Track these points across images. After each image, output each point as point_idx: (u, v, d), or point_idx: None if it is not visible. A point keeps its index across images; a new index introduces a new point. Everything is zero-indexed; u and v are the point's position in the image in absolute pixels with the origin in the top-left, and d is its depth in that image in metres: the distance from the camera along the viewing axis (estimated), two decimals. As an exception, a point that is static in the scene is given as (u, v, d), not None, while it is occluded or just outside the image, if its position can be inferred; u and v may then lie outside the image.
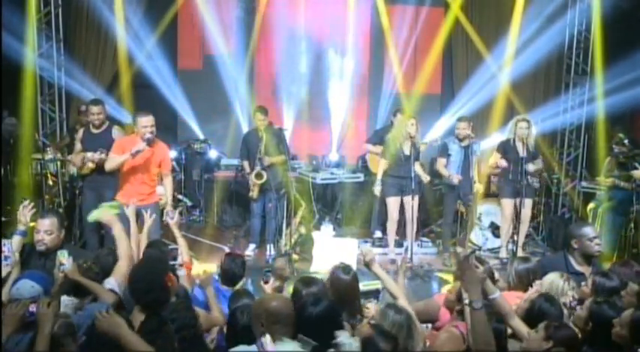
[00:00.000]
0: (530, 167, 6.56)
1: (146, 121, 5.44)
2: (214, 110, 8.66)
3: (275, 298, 2.96)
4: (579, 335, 3.06)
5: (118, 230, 3.96)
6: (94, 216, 4.34)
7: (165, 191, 5.80)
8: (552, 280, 3.48)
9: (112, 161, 5.51)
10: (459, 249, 6.85)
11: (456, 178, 6.66)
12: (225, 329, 3.31)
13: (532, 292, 3.57)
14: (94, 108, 5.90)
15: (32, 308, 2.84)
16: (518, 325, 3.10)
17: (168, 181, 5.79)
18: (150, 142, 5.42)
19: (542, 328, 2.89)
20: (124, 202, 5.12)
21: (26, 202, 4.05)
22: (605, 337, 2.91)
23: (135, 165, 5.50)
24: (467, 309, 2.95)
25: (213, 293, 3.66)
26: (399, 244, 7.02)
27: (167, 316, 2.74)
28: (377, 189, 6.72)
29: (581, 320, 3.07)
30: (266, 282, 3.72)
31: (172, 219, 4.39)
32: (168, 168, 5.80)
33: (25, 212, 3.95)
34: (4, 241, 3.81)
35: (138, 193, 5.46)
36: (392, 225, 6.80)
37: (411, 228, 6.65)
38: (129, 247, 3.84)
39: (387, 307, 3.00)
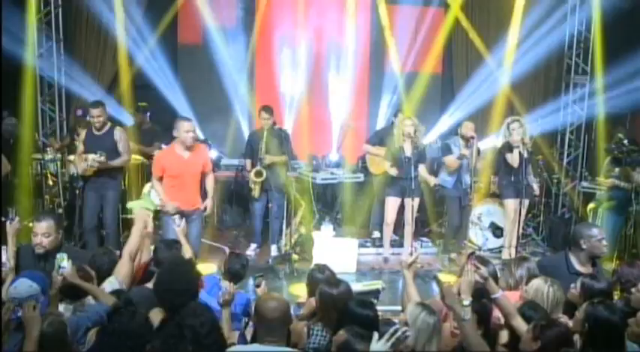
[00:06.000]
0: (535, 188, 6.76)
1: (188, 126, 5.36)
2: (214, 110, 8.66)
3: (271, 300, 2.97)
4: (575, 334, 3.06)
5: (136, 228, 3.96)
6: (132, 205, 4.37)
7: (208, 190, 5.67)
8: (537, 286, 3.45)
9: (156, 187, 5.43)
10: (462, 251, 6.85)
11: (431, 181, 6.67)
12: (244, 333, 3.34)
13: (517, 298, 3.58)
14: (94, 111, 5.88)
15: (18, 312, 2.82)
16: (520, 325, 3.11)
17: (210, 180, 5.67)
18: (191, 148, 5.42)
19: (531, 328, 2.91)
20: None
21: (12, 215, 4.04)
22: (602, 338, 2.91)
23: (180, 174, 5.42)
24: (466, 310, 2.99)
25: (229, 314, 3.55)
26: (399, 244, 7.03)
27: (194, 321, 2.67)
28: (392, 170, 6.60)
29: (578, 323, 3.06)
30: (257, 286, 3.73)
31: (179, 226, 4.36)
32: (210, 168, 5.68)
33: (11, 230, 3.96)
34: (2, 247, 3.79)
35: (186, 199, 5.44)
36: (388, 226, 6.80)
37: (410, 230, 6.66)
38: (136, 247, 3.82)
39: (417, 308, 2.99)
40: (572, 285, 3.62)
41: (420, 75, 8.69)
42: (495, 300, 3.15)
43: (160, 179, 5.41)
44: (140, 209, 4.26)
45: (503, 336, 3.26)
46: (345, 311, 3.01)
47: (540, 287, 3.41)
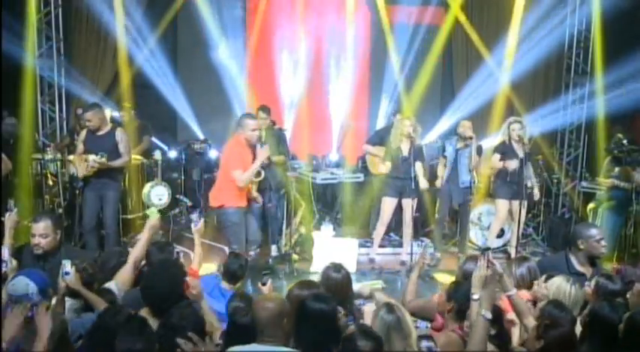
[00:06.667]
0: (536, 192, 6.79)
1: (255, 124, 5.42)
2: (214, 110, 8.66)
3: (269, 300, 2.98)
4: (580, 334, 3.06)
5: (145, 236, 3.92)
6: (152, 210, 4.33)
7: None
8: (559, 284, 3.46)
9: (245, 176, 5.34)
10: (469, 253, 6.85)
11: (438, 181, 6.88)
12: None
13: (535, 291, 3.57)
14: (85, 115, 5.88)
15: (32, 312, 2.84)
16: (532, 324, 3.11)
17: None
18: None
19: (535, 327, 2.91)
20: (227, 206, 5.35)
21: (11, 206, 4.04)
22: (599, 334, 2.91)
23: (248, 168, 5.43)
24: (473, 306, 2.99)
25: (208, 306, 3.54)
26: (398, 244, 7.03)
27: (177, 323, 2.73)
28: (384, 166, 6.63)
29: (584, 319, 3.09)
30: (263, 284, 3.72)
31: (196, 225, 4.32)
32: None
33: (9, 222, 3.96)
34: (2, 246, 3.78)
35: (243, 196, 5.50)
36: (381, 225, 6.80)
37: (409, 231, 6.66)
38: (142, 255, 3.80)
39: (381, 306, 3.00)
40: (587, 283, 3.63)
41: (419, 75, 8.68)
42: (509, 298, 3.15)
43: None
44: (154, 217, 4.18)
45: (515, 335, 3.26)
46: (302, 307, 2.94)
47: (562, 286, 3.42)
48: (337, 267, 3.64)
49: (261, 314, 2.83)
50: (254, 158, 5.38)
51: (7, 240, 3.93)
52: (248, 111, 6.78)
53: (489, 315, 2.87)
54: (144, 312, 3.04)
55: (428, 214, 7.62)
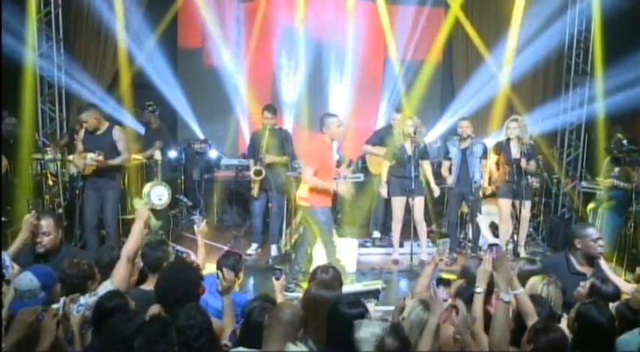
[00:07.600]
0: (531, 166, 6.57)
1: (338, 121, 5.45)
2: (214, 110, 8.66)
3: (286, 306, 2.99)
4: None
5: (137, 227, 3.81)
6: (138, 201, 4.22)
7: None
8: (532, 284, 3.47)
9: (315, 182, 5.40)
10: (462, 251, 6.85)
11: (449, 179, 6.83)
12: (237, 332, 3.31)
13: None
14: (81, 116, 5.89)
15: (42, 317, 2.85)
16: None
17: None
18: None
19: (528, 330, 2.91)
20: (317, 207, 5.42)
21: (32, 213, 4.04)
22: (589, 337, 2.92)
23: (331, 168, 5.54)
24: (476, 300, 3.07)
25: (230, 302, 3.58)
26: (399, 244, 7.02)
27: (184, 323, 2.70)
28: (383, 191, 6.70)
29: (570, 321, 3.08)
30: (277, 279, 3.73)
31: (199, 226, 4.32)
32: None
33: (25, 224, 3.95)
34: (3, 252, 3.77)
35: (329, 195, 5.55)
36: (396, 225, 6.79)
37: (424, 229, 6.69)
38: (135, 248, 3.72)
39: (416, 302, 3.04)
40: (582, 283, 3.64)
41: (420, 75, 8.67)
42: (516, 296, 3.16)
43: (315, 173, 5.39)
44: (142, 206, 4.17)
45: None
46: (334, 313, 2.92)
47: (535, 285, 3.44)
48: (325, 268, 3.70)
49: (270, 325, 2.84)
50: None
51: (19, 239, 3.94)
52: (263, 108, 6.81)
53: (507, 298, 2.90)
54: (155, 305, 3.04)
55: (431, 213, 7.62)
